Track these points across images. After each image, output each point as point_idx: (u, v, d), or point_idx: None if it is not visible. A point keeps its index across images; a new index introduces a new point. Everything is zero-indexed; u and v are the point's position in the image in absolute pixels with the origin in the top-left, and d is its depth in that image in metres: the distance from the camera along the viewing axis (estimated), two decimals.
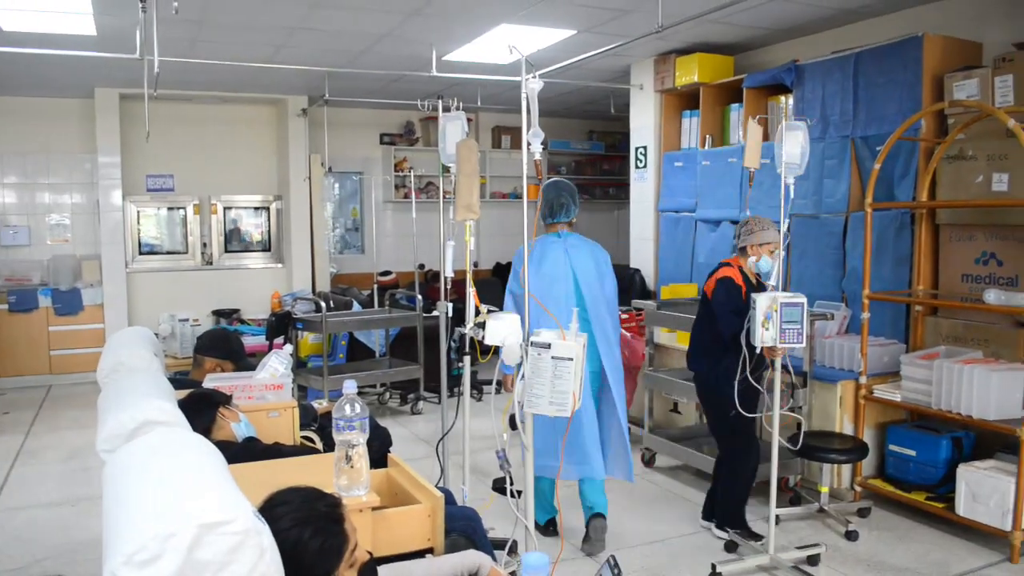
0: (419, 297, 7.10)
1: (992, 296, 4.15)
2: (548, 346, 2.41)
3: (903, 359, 4.55)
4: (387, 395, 7.45)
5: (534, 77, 2.75)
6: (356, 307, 7.78)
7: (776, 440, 3.91)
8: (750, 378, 3.89)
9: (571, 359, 2.38)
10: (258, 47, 6.52)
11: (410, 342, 7.24)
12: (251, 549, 1.41)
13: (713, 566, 3.81)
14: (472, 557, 2.27)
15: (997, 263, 4.61)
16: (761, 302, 3.62)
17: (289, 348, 3.72)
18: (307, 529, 1.75)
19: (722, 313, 3.99)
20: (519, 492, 2.70)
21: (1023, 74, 4.51)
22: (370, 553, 1.91)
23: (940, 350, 4.57)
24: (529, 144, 2.67)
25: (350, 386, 2.26)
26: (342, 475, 2.21)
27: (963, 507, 4.18)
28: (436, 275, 8.33)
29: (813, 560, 3.94)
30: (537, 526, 4.15)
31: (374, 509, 2.26)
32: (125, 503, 1.51)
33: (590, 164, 11.17)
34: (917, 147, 4.94)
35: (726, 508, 4.24)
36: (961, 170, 4.70)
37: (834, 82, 5.49)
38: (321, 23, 5.82)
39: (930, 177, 4.81)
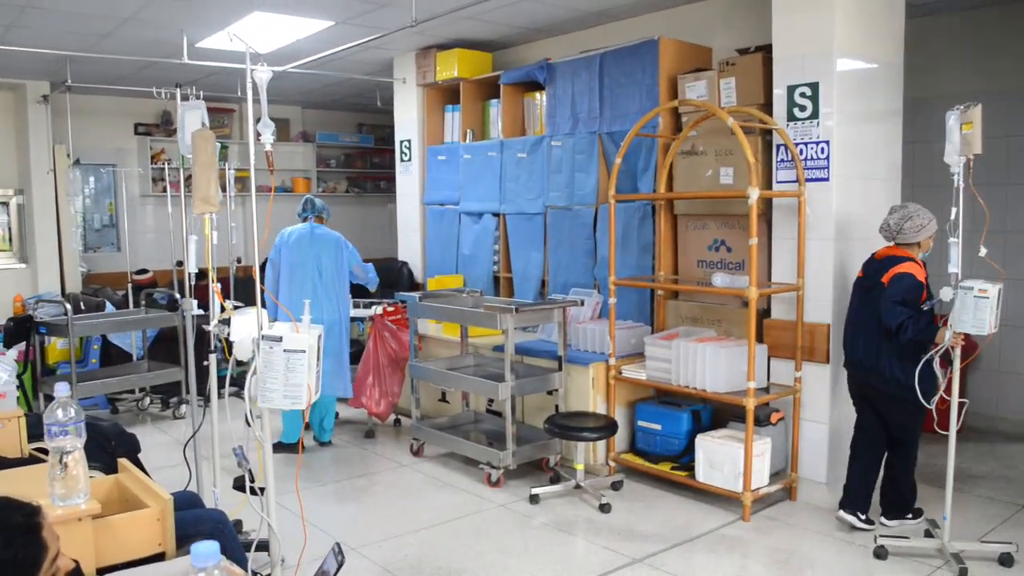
0: (180, 296, 6.74)
1: (719, 280, 4.55)
2: (280, 339, 2.37)
3: (646, 340, 4.88)
4: (147, 400, 7.03)
5: (262, 66, 2.69)
6: (110, 308, 7.27)
7: (954, 427, 3.88)
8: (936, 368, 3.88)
9: (303, 351, 2.36)
10: None
11: (171, 344, 6.87)
12: None
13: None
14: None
15: (727, 249, 5.05)
16: (992, 290, 3.61)
17: (13, 353, 3.43)
18: None
19: (892, 304, 3.85)
20: (262, 489, 2.64)
21: (744, 77, 4.96)
22: (75, 561, 1.81)
23: (679, 330, 4.94)
24: (259, 135, 2.60)
25: (61, 388, 2.12)
26: (57, 483, 2.07)
27: (702, 474, 4.55)
28: (202, 273, 7.94)
29: (1006, 561, 3.82)
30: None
31: (95, 517, 2.13)
32: None
33: (360, 157, 11.08)
34: (656, 143, 5.30)
35: (907, 497, 4.27)
36: (694, 164, 5.10)
37: (582, 80, 5.78)
38: (54, 2, 5.38)
39: (667, 171, 5.19)
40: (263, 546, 3.10)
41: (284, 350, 2.37)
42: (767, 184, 4.74)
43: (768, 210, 4.79)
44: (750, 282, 4.27)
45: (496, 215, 6.54)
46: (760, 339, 4.68)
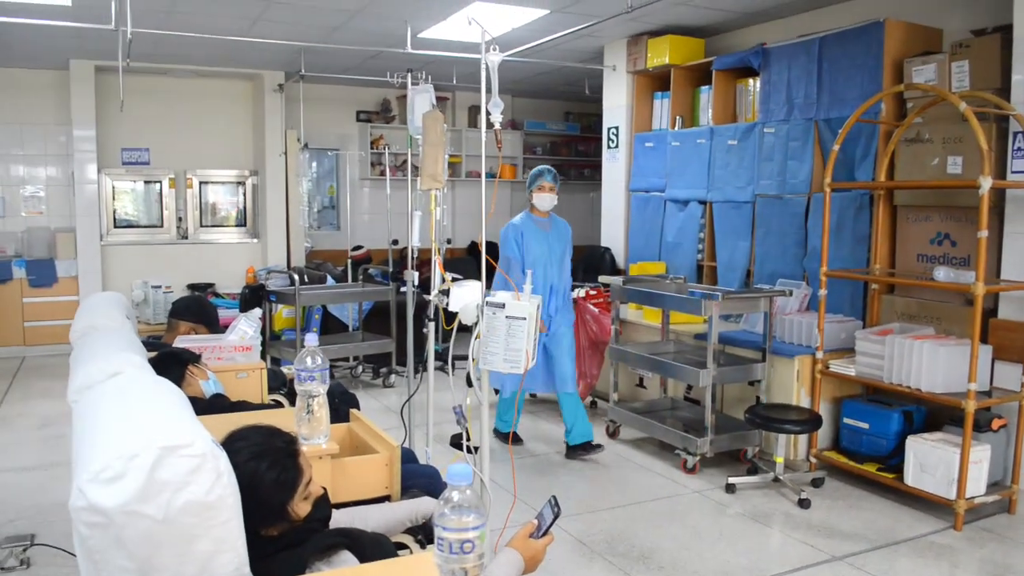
0: (399, 271, 7.18)
1: (942, 274, 4.30)
2: (502, 306, 2.52)
3: (858, 335, 4.70)
4: (360, 368, 7.55)
5: (495, 50, 2.84)
6: (330, 281, 7.86)
7: None
8: None
9: (524, 318, 2.49)
10: (233, 20, 6.55)
11: (383, 317, 7.34)
12: (208, 472, 1.52)
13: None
14: (426, 503, 2.38)
15: (951, 243, 4.77)
16: None
17: (258, 312, 3.81)
18: (264, 462, 1.86)
19: None
20: (476, 448, 2.81)
21: (979, 60, 4.65)
22: (324, 488, 2.02)
23: (894, 327, 4.72)
24: (489, 113, 2.75)
25: (311, 339, 2.37)
26: (303, 425, 2.32)
27: (911, 477, 4.34)
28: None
29: None
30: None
31: (333, 457, 2.36)
32: (92, 432, 1.61)
33: (565, 145, 11.27)
34: (877, 130, 5.07)
35: None
36: (918, 152, 4.84)
37: (799, 65, 5.62)
38: None
39: (888, 159, 4.95)
40: None
41: (506, 316, 2.52)
42: (1000, 174, 4.43)
43: (1000, 202, 4.47)
44: (976, 277, 4.02)
45: (702, 203, 6.48)
46: (984, 339, 4.38)
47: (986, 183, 3.99)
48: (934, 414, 4.60)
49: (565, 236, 5.28)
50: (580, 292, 5.99)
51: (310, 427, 2.33)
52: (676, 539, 4.02)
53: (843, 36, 5.34)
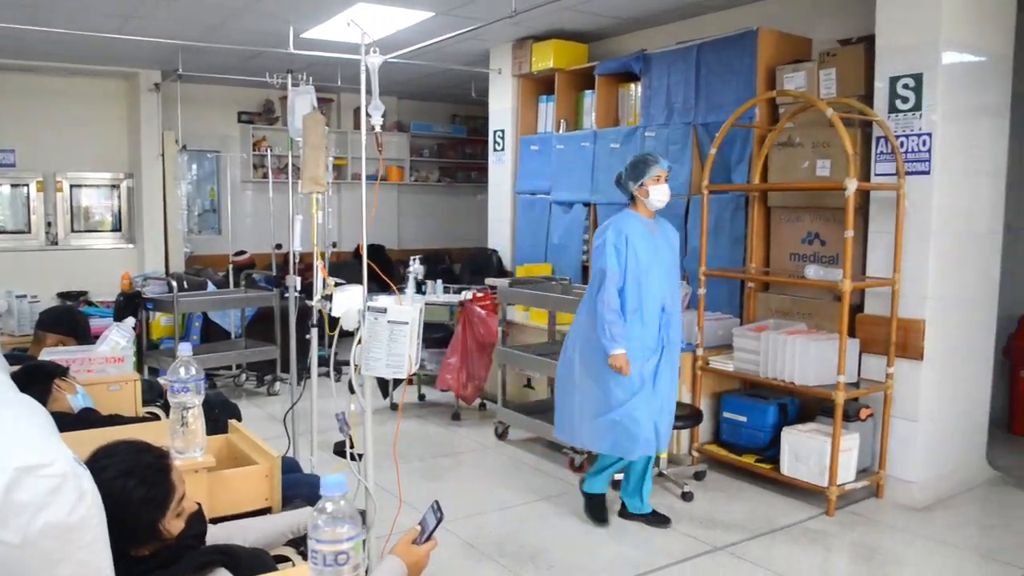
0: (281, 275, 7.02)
1: (812, 272, 4.51)
2: (384, 311, 2.49)
3: (735, 331, 4.87)
4: (243, 377, 7.34)
5: (375, 52, 2.81)
6: (211, 288, 7.61)
7: None
8: None
9: (406, 323, 2.47)
10: (105, 16, 6.26)
11: (267, 323, 7.15)
12: (70, 491, 1.44)
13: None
14: (309, 513, 2.32)
15: (821, 243, 4.99)
16: None
17: (132, 321, 3.65)
18: (132, 479, 1.77)
19: None
20: (360, 455, 2.77)
21: (845, 68, 4.89)
22: (198, 504, 1.95)
23: (769, 323, 4.91)
24: (369, 116, 2.72)
25: (184, 348, 2.28)
26: (177, 438, 2.23)
27: (787, 467, 4.52)
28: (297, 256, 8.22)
29: None
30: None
31: (210, 471, 2.28)
32: None
33: (452, 147, 11.26)
34: (751, 134, 5.27)
35: None
36: (790, 156, 5.05)
37: (678, 71, 5.78)
38: None
39: (762, 162, 5.15)
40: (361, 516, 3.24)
41: (388, 321, 2.49)
42: (865, 177, 4.66)
43: (865, 203, 4.71)
44: (844, 275, 4.23)
45: (587, 205, 6.59)
46: (852, 333, 4.61)
47: (852, 185, 4.19)
48: (807, 406, 4.81)
49: (673, 243, 4.09)
50: (467, 294, 5.99)
51: (185, 440, 2.24)
52: (565, 537, 4.06)
53: (719, 44, 5.52)
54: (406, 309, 2.51)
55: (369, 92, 2.87)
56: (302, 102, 3.65)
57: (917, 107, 4.43)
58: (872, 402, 4.59)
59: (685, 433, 5.02)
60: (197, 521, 1.92)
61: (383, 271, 6.00)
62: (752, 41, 5.31)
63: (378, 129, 2.88)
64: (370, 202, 2.94)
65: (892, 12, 4.52)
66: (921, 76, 4.41)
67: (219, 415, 3.75)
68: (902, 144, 4.47)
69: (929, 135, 4.38)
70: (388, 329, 2.50)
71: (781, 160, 5.09)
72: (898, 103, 4.51)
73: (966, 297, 4.65)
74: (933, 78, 4.37)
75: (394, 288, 2.69)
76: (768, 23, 5.42)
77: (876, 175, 4.60)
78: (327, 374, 5.82)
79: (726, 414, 4.95)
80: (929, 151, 4.38)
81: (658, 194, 3.93)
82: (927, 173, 4.39)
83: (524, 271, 6.41)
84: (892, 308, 4.48)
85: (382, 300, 2.62)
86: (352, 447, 2.82)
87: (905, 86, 4.47)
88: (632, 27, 6.66)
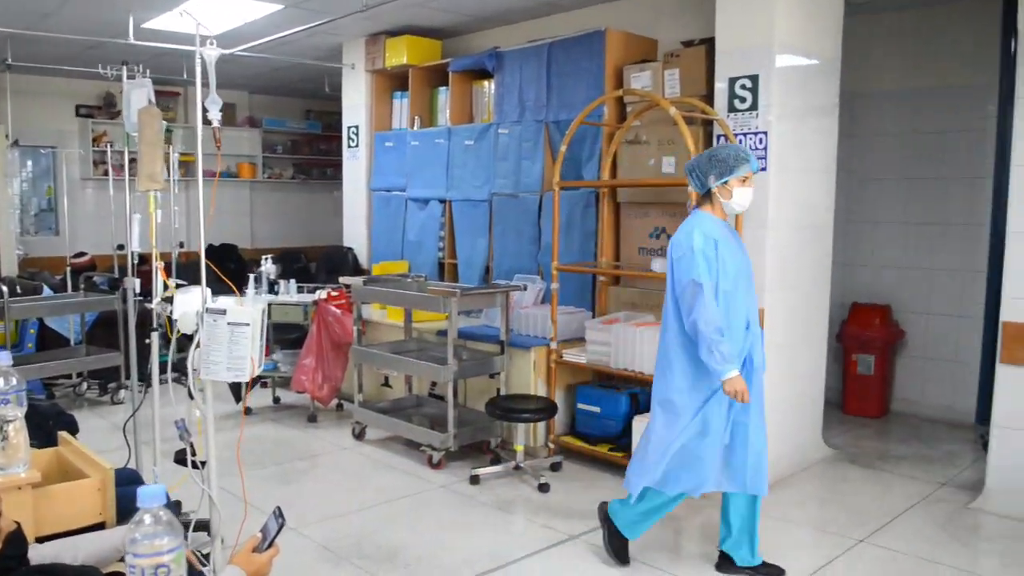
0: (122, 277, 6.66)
1: (658, 265, 4.66)
2: (224, 312, 2.40)
3: (587, 324, 4.98)
4: (84, 385, 6.93)
5: (212, 44, 2.70)
6: (47, 292, 7.14)
7: None
8: None
9: (247, 324, 2.39)
10: None
11: (110, 328, 6.77)
12: None
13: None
14: None
15: (668, 237, 5.13)
16: None
17: None
18: None
19: None
20: (203, 462, 2.66)
21: (688, 69, 5.07)
22: (17, 523, 1.82)
23: (620, 315, 5.04)
24: (206, 110, 2.61)
25: (3, 357, 2.13)
26: None
27: None
28: (143, 258, 7.84)
29: None
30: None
31: (35, 487, 2.14)
32: None
33: (307, 143, 11.02)
34: (601, 132, 5.40)
35: None
36: (637, 153, 5.20)
37: (530, 69, 5.85)
38: None
39: (611, 159, 5.28)
40: (203, 526, 3.12)
41: (228, 323, 2.40)
42: None
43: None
44: None
45: (442, 202, 6.58)
46: None
47: None
48: None
49: (746, 251, 3.63)
50: (322, 293, 5.87)
51: (6, 455, 2.09)
52: (423, 535, 4.04)
53: (569, 43, 5.63)
54: (246, 310, 2.43)
55: (206, 86, 2.76)
56: (138, 95, 3.47)
57: (754, 107, 4.64)
58: None
59: (541, 426, 5.10)
60: (16, 541, 1.79)
61: (236, 271, 5.82)
62: (600, 41, 5.43)
63: (216, 124, 2.78)
64: (209, 199, 2.83)
65: (730, 16, 4.72)
66: (757, 77, 4.62)
67: (53, 427, 3.54)
68: (741, 142, 4.68)
69: (765, 133, 4.61)
70: (228, 331, 2.41)
71: (629, 157, 5.24)
72: (736, 103, 4.71)
73: (802, 287, 4.92)
74: (768, 79, 4.59)
75: (234, 289, 2.59)
76: (616, 24, 5.56)
77: None
78: (179, 380, 5.59)
79: (580, 405, 5.06)
80: (765, 149, 4.60)
81: (742, 197, 3.38)
82: (764, 170, 4.60)
83: (380, 269, 6.34)
84: None
85: (222, 301, 2.53)
86: (194, 455, 2.71)
87: (743, 87, 4.68)
88: (485, 25, 6.69)
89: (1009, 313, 4.31)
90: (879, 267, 6.36)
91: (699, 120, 4.90)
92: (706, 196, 3.38)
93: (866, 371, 6.09)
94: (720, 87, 4.80)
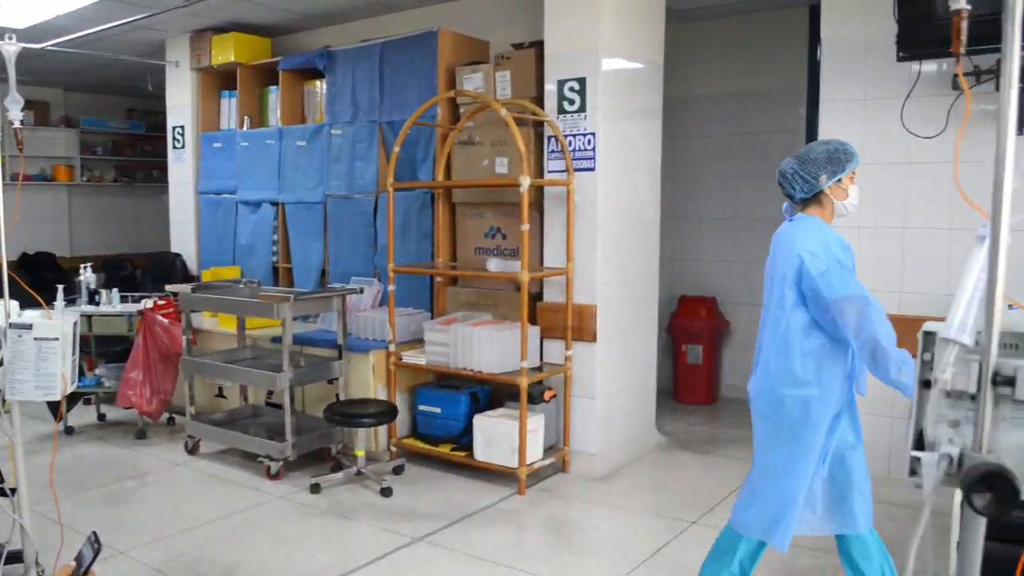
0: None
1: (494, 265, 4.71)
2: (30, 327, 2.24)
3: (426, 326, 4.97)
4: None
5: (11, 39, 2.52)
6: None
7: None
8: None
9: (56, 339, 2.24)
10: None
11: None
12: None
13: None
14: None
15: (503, 237, 5.23)
16: None
17: None
18: None
19: None
20: (13, 490, 2.48)
21: (518, 71, 5.15)
22: None
23: (458, 316, 5.07)
24: (6, 110, 2.43)
25: None
26: None
27: (480, 452, 4.70)
28: None
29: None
30: None
31: None
32: None
33: (130, 144, 10.46)
34: (435, 133, 5.40)
35: None
36: (471, 154, 5.23)
37: (363, 69, 5.78)
38: None
39: (445, 160, 5.30)
40: (16, 557, 2.90)
41: (35, 338, 2.24)
42: (539, 173, 4.96)
43: (540, 198, 5.01)
44: (522, 266, 4.46)
45: (275, 204, 6.40)
46: (533, 321, 4.89)
47: (525, 182, 4.43)
48: (497, 392, 5.02)
49: None
50: (148, 303, 5.58)
51: None
52: (261, 549, 3.92)
53: (402, 43, 5.60)
54: (55, 323, 2.28)
55: (4, 82, 2.57)
56: None
57: (582, 109, 4.77)
58: (555, 384, 4.89)
59: (382, 429, 5.05)
60: None
61: (54, 281, 5.42)
62: (433, 42, 5.43)
63: (17, 124, 2.59)
64: (13, 205, 2.64)
65: (557, 21, 4.84)
66: (584, 80, 4.76)
67: None
68: (570, 143, 4.80)
69: (593, 135, 4.75)
70: (35, 347, 2.25)
71: (463, 158, 5.27)
72: (565, 105, 4.83)
73: (631, 282, 5.10)
74: (595, 82, 4.73)
75: (40, 302, 2.42)
76: (449, 25, 5.58)
77: (549, 172, 4.91)
78: None
79: (421, 407, 5.05)
80: (594, 149, 4.74)
81: (856, 196, 2.94)
82: (592, 170, 4.75)
83: (211, 275, 6.10)
84: (567, 295, 4.81)
85: (28, 315, 2.36)
86: (2, 482, 2.53)
87: (571, 89, 4.81)
88: (316, 23, 6.56)
89: None
90: (705, 261, 6.69)
91: (530, 121, 4.99)
92: (812, 199, 2.92)
93: (695, 361, 6.39)
94: (550, 89, 4.91)
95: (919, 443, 1.43)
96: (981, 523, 1.36)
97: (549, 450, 4.82)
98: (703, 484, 4.74)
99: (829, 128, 4.52)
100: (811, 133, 5.50)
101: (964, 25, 1.48)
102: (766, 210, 6.41)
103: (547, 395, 4.78)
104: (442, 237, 5.36)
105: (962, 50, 1.48)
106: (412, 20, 6.03)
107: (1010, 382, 1.29)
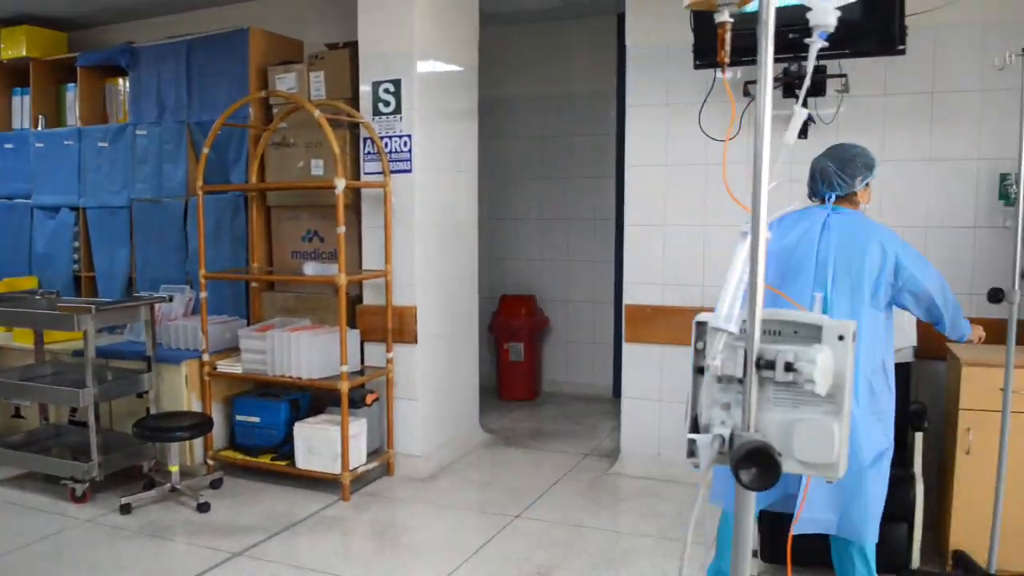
0: None
1: (310, 269, 4.64)
2: None
3: (241, 333, 4.83)
4: None
5: None
6: None
7: None
8: None
9: None
10: None
11: None
12: None
13: None
14: None
15: (320, 239, 5.15)
16: None
17: None
18: None
19: None
20: None
21: (332, 71, 5.08)
22: None
23: (275, 322, 4.95)
24: None
25: None
26: None
27: (301, 460, 4.61)
28: None
29: None
30: None
31: None
32: None
33: None
34: (247, 133, 5.24)
35: None
36: (285, 156, 5.12)
37: (169, 67, 5.53)
38: None
39: (259, 162, 5.16)
40: None
41: None
42: (355, 175, 4.92)
43: (358, 200, 4.97)
44: (339, 270, 4.41)
45: (75, 209, 6.01)
46: (353, 324, 4.86)
47: (340, 184, 4.38)
48: (318, 399, 4.95)
49: None
50: None
51: None
52: None
53: (211, 41, 5.41)
54: None
55: None
56: None
57: (397, 110, 4.78)
58: (376, 387, 4.87)
59: (198, 443, 4.86)
60: None
61: None
62: (244, 40, 5.27)
63: None
64: None
65: (371, 22, 4.83)
66: (400, 82, 4.76)
67: None
68: (386, 145, 4.79)
69: (409, 136, 4.76)
70: None
71: (277, 160, 5.15)
72: (381, 106, 4.82)
73: (451, 282, 5.16)
74: (410, 84, 4.75)
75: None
76: (260, 23, 5.43)
77: (365, 174, 4.88)
78: None
79: (239, 417, 4.91)
80: (410, 151, 4.76)
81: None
82: (409, 172, 4.76)
83: (4, 286, 5.65)
84: (387, 298, 4.80)
85: None
86: None
87: (386, 90, 4.80)
88: (117, 17, 6.23)
89: (629, 297, 4.84)
90: (524, 260, 6.85)
91: (346, 123, 4.94)
92: (845, 199, 3.10)
93: (517, 358, 6.53)
94: (365, 90, 4.88)
95: (695, 426, 1.53)
96: (751, 496, 1.47)
97: (373, 454, 4.80)
98: (527, 478, 4.86)
99: (636, 131, 4.75)
100: (621, 136, 5.74)
101: (728, 37, 1.60)
102: (580, 209, 6.66)
103: (369, 399, 4.75)
104: (257, 241, 5.22)
105: (726, 60, 1.60)
106: (222, 17, 5.83)
107: (771, 365, 1.40)
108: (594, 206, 6.58)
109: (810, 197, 3.13)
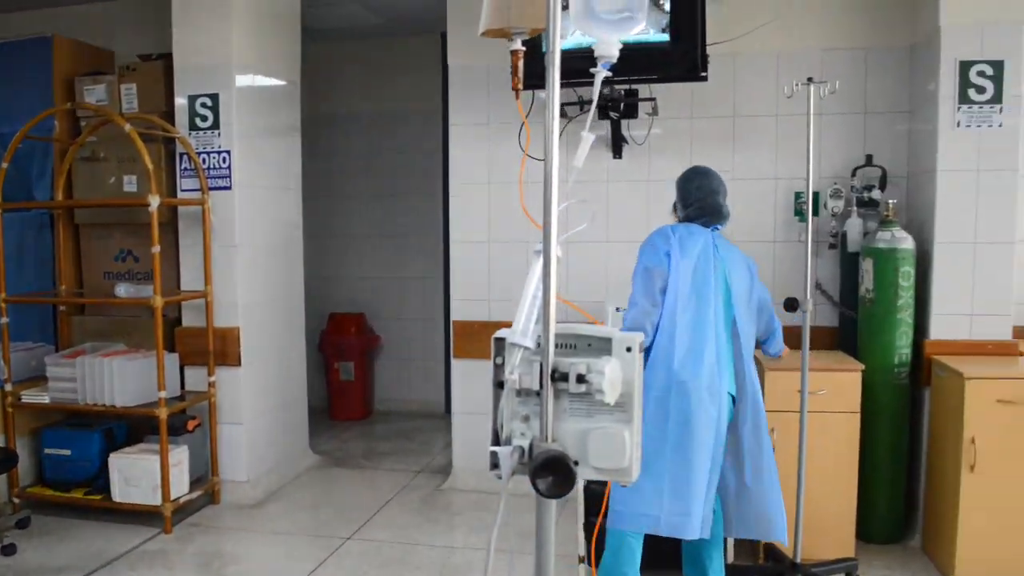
0: None
1: (123, 290, 4.43)
2: None
3: (48, 360, 4.53)
4: None
5: None
6: None
7: None
8: None
9: None
10: None
11: None
12: None
13: None
14: None
15: (135, 259, 4.92)
16: None
17: None
18: None
19: None
20: None
21: (146, 84, 4.88)
22: None
23: (86, 347, 4.67)
24: None
25: None
26: None
27: (118, 493, 4.37)
28: None
29: None
30: None
31: None
32: None
33: None
34: (52, 147, 4.95)
35: None
36: (95, 171, 4.87)
37: None
38: None
39: (66, 177, 4.88)
40: None
41: None
42: (172, 192, 4.74)
43: (175, 218, 4.79)
44: (155, 291, 4.22)
45: None
46: (172, 348, 4.66)
47: (155, 201, 4.21)
48: (136, 427, 4.71)
49: None
50: None
51: None
52: None
53: (10, 48, 5.11)
54: None
55: None
56: None
57: (215, 125, 4.64)
58: (198, 412, 4.69)
59: (1, 480, 4.52)
60: None
61: None
62: (47, 49, 4.99)
63: None
64: None
65: (186, 33, 4.67)
66: (217, 96, 4.63)
67: None
68: (204, 161, 4.64)
69: (228, 152, 4.64)
70: None
71: (86, 175, 4.89)
72: (198, 121, 4.67)
73: (276, 301, 5.05)
74: (229, 99, 4.62)
75: None
76: (67, 32, 5.15)
77: (182, 191, 4.71)
78: None
79: (48, 450, 4.59)
80: (229, 167, 4.63)
81: None
82: (229, 188, 4.64)
83: None
84: (208, 319, 4.64)
85: None
86: None
87: (203, 104, 4.66)
88: None
89: (457, 313, 4.90)
90: (355, 278, 6.79)
91: (161, 138, 4.74)
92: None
93: (348, 377, 6.46)
94: (180, 103, 4.73)
95: (497, 439, 1.58)
96: (551, 503, 1.53)
97: (197, 482, 4.61)
98: (358, 499, 4.82)
99: (460, 149, 4.82)
100: (446, 153, 5.80)
101: (520, 64, 1.66)
102: (409, 226, 6.67)
103: (190, 425, 4.56)
104: (64, 262, 4.92)
105: (520, 86, 1.66)
106: (22, 23, 5.49)
107: (565, 378, 1.46)
108: (423, 223, 6.61)
109: (691, 220, 3.20)
